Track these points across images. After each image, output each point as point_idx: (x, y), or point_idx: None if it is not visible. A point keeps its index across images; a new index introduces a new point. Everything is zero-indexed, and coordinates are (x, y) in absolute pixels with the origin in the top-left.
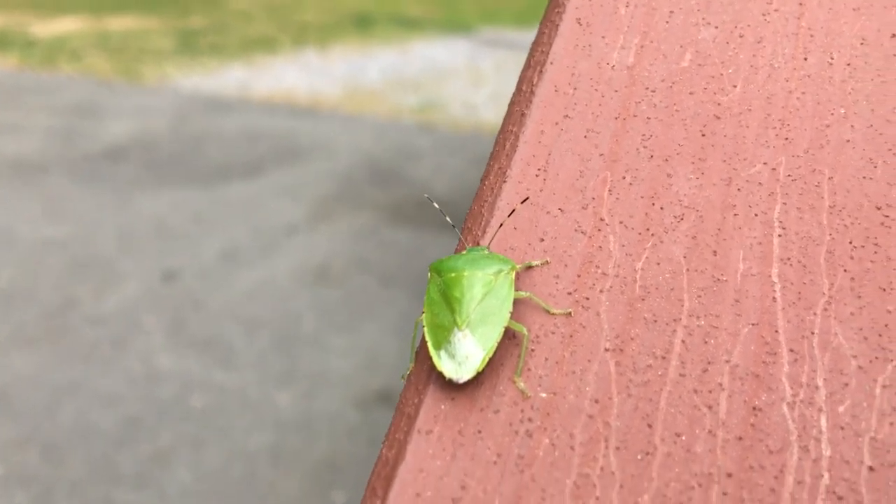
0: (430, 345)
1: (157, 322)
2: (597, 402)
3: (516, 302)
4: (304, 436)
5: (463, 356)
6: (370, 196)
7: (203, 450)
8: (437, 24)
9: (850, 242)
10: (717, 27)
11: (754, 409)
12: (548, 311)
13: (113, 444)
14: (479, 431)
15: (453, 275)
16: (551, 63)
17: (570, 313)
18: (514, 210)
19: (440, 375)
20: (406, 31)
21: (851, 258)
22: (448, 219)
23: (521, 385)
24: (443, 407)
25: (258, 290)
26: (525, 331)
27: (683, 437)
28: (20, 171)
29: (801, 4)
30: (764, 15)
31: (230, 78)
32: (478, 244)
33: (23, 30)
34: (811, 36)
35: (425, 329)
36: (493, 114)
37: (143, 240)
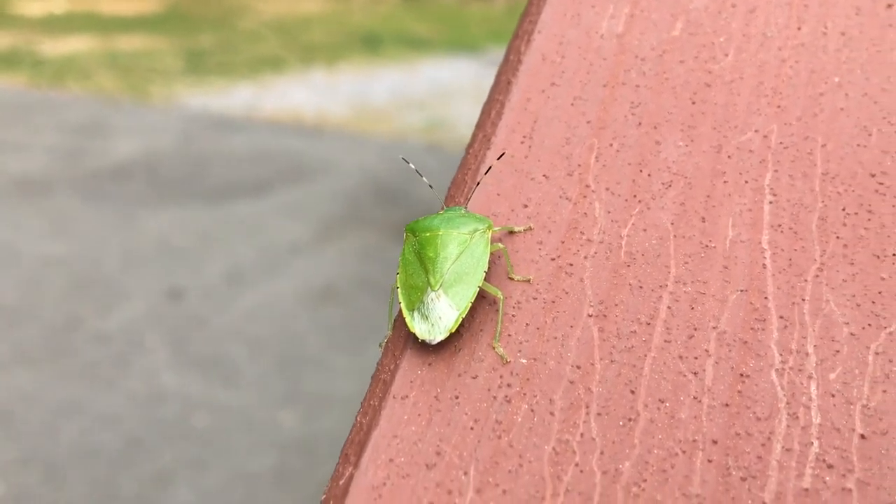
0: (403, 306)
1: (160, 341)
2: (578, 367)
3: (495, 267)
4: (307, 457)
5: (436, 317)
6: (376, 216)
7: (205, 470)
8: (444, 44)
9: (844, 209)
10: None
11: (741, 375)
12: (508, 275)
13: (114, 464)
14: (456, 397)
15: (428, 234)
16: (539, 32)
17: (529, 280)
18: (490, 167)
19: (415, 338)
20: (413, 51)
21: (844, 225)
22: (425, 179)
23: (500, 350)
24: (419, 372)
25: (262, 310)
26: (500, 294)
27: (667, 404)
28: (27, 189)
29: None
30: None
31: (237, 97)
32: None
33: (32, 48)
34: (805, 6)
35: (399, 290)
36: None
37: (148, 258)
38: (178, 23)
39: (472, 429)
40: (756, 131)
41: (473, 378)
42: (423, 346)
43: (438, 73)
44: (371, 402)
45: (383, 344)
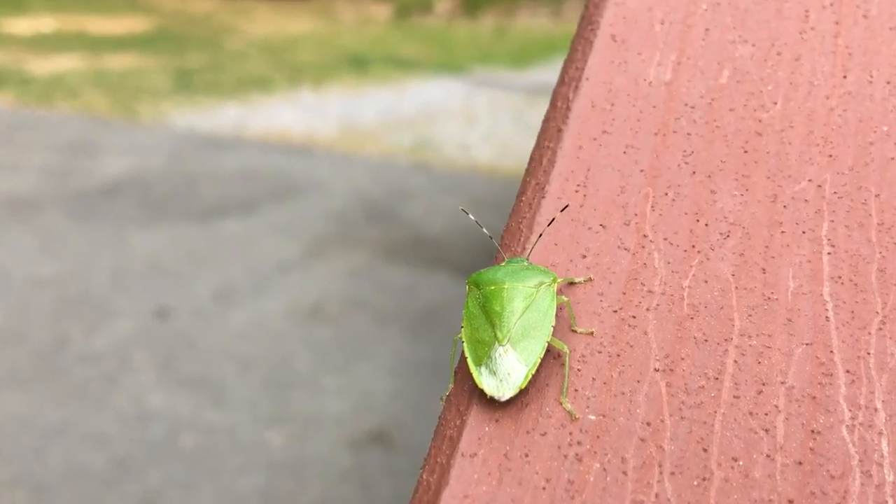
0: (469, 361)
1: (148, 361)
2: (648, 424)
3: (558, 319)
4: (296, 478)
5: (504, 372)
6: (365, 235)
7: (193, 491)
8: (432, 64)
9: None
10: (753, 45)
11: (812, 432)
12: (571, 328)
13: (102, 485)
14: (526, 455)
15: (493, 287)
16: (587, 79)
17: (592, 332)
18: (553, 219)
19: (481, 393)
20: (401, 71)
21: None
22: (485, 230)
23: (568, 406)
24: (487, 429)
25: (251, 329)
26: (566, 348)
27: (741, 462)
28: (15, 208)
29: (837, 23)
30: (800, 33)
31: (226, 116)
32: (516, 256)
33: (20, 67)
34: (849, 54)
35: (465, 345)
36: (486, 154)
37: (137, 277)
38: (167, 42)
39: (544, 489)
40: (810, 181)
41: (542, 435)
42: (490, 402)
43: (426, 94)
44: (437, 460)
45: (445, 397)
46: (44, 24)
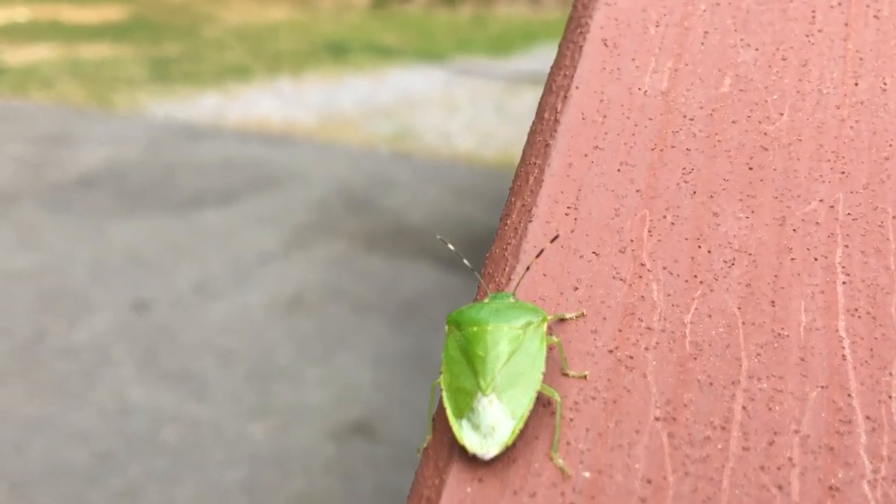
0: (449, 412)
1: (128, 354)
2: (649, 482)
3: (548, 361)
4: (280, 470)
5: (489, 426)
6: (345, 225)
7: (175, 485)
8: (411, 52)
9: None
10: (757, 49)
11: (831, 488)
12: (563, 371)
13: (83, 480)
14: None
15: (475, 328)
16: (576, 88)
17: (585, 376)
18: (542, 250)
19: (463, 449)
20: (380, 59)
21: None
22: (466, 262)
23: (560, 462)
24: (468, 490)
25: (232, 321)
26: (557, 396)
27: None
28: None
29: (846, 25)
30: (807, 36)
31: (203, 106)
32: (501, 290)
33: None
34: (860, 59)
35: (444, 393)
36: (467, 142)
37: (116, 270)
38: (143, 31)
39: None
40: (821, 201)
41: (531, 496)
42: (472, 458)
43: (406, 82)
44: None
45: (422, 449)
46: (18, 13)
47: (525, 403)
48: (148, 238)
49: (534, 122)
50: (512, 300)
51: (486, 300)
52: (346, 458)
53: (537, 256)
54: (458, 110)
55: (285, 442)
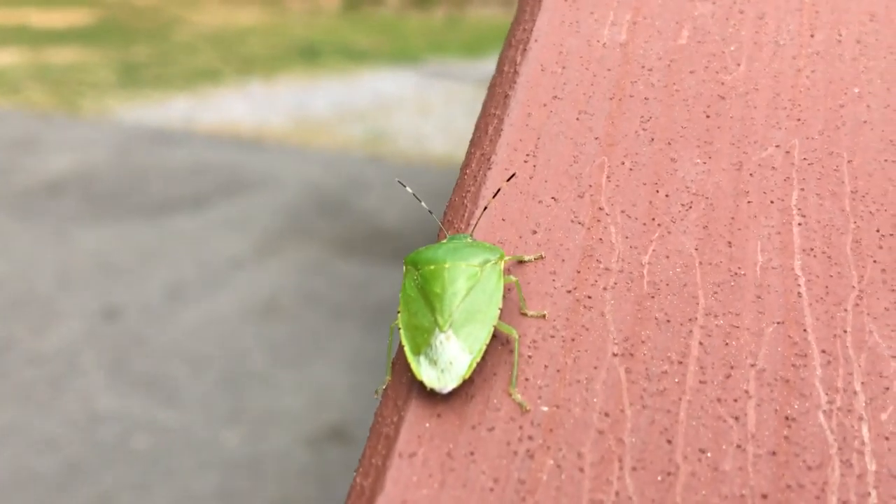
0: (407, 350)
1: (98, 361)
2: (607, 415)
3: (507, 301)
4: (253, 477)
5: (446, 361)
6: (318, 228)
7: (148, 493)
8: (384, 55)
9: (878, 231)
10: (714, 2)
11: (787, 418)
12: (521, 311)
13: (53, 489)
14: (472, 453)
15: (432, 267)
16: (535, 41)
17: (544, 315)
18: (499, 189)
19: (421, 386)
20: (353, 62)
21: (881, 248)
22: (424, 204)
23: (518, 397)
24: (427, 425)
25: (204, 327)
26: (516, 333)
27: (709, 454)
28: None
29: None
30: None
31: (174, 110)
32: (459, 232)
33: None
34: (816, 12)
35: (402, 332)
36: (441, 145)
37: (84, 276)
38: (112, 35)
39: (492, 490)
40: (777, 146)
41: (490, 430)
42: (431, 395)
43: (379, 85)
44: (372, 461)
45: (381, 391)
46: None
47: (482, 338)
48: (118, 244)
49: (494, 77)
50: (470, 240)
51: (445, 241)
52: (321, 463)
53: (493, 196)
54: (432, 113)
55: (259, 448)
